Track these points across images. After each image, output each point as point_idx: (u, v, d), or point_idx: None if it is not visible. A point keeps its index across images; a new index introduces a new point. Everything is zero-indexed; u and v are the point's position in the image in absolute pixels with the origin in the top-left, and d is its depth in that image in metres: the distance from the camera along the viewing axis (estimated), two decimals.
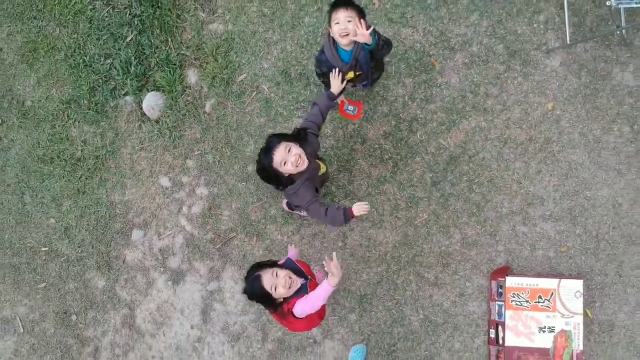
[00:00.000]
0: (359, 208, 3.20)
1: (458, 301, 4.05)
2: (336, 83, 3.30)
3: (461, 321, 4.02)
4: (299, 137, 3.19)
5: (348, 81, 3.41)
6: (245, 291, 3.08)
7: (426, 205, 4.09)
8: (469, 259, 4.06)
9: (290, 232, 4.18)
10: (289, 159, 3.03)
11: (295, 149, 3.05)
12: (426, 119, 4.10)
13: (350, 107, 3.79)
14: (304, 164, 3.06)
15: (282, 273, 3.00)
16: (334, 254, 3.01)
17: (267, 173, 3.14)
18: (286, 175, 3.13)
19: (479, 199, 4.07)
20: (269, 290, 2.98)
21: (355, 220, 3.50)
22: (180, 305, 4.29)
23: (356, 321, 4.11)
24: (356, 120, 4.01)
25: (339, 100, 3.72)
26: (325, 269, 2.99)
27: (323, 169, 3.52)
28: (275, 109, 4.22)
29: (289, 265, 3.26)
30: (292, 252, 3.59)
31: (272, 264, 3.11)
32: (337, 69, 3.29)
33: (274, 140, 3.08)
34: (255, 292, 3.00)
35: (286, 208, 4.16)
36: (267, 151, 3.08)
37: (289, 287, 3.01)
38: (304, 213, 4.04)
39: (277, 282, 2.97)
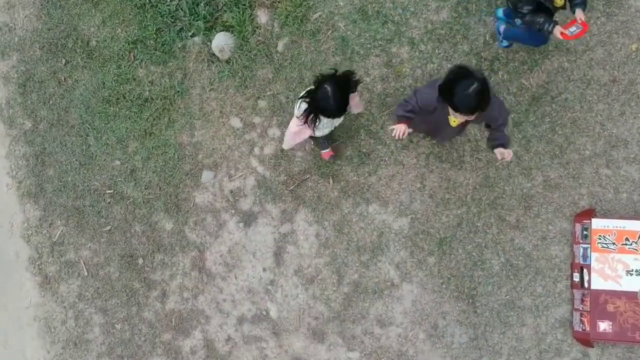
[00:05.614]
0: None
1: (540, 245, 3.94)
2: None
3: (543, 265, 3.92)
4: None
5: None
6: None
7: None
8: (552, 202, 3.97)
9: (367, 173, 4.07)
10: None
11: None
12: (508, 58, 4.00)
13: (573, 28, 3.41)
14: None
15: None
16: None
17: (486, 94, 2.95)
18: None
19: (562, 141, 3.98)
20: None
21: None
22: (252, 247, 4.17)
23: (435, 264, 4.01)
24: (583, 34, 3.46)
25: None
26: None
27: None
28: (351, 47, 4.10)
29: None
30: None
31: None
32: None
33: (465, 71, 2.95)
34: None
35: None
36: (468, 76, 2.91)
37: None
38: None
39: None
